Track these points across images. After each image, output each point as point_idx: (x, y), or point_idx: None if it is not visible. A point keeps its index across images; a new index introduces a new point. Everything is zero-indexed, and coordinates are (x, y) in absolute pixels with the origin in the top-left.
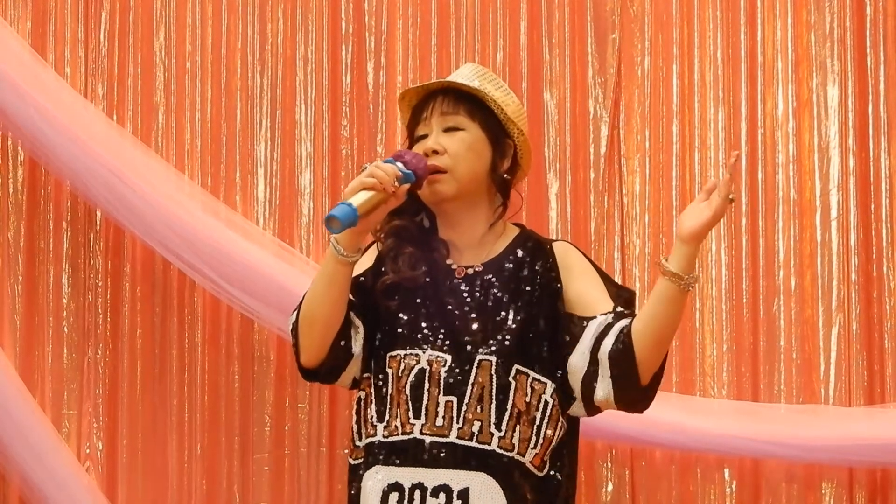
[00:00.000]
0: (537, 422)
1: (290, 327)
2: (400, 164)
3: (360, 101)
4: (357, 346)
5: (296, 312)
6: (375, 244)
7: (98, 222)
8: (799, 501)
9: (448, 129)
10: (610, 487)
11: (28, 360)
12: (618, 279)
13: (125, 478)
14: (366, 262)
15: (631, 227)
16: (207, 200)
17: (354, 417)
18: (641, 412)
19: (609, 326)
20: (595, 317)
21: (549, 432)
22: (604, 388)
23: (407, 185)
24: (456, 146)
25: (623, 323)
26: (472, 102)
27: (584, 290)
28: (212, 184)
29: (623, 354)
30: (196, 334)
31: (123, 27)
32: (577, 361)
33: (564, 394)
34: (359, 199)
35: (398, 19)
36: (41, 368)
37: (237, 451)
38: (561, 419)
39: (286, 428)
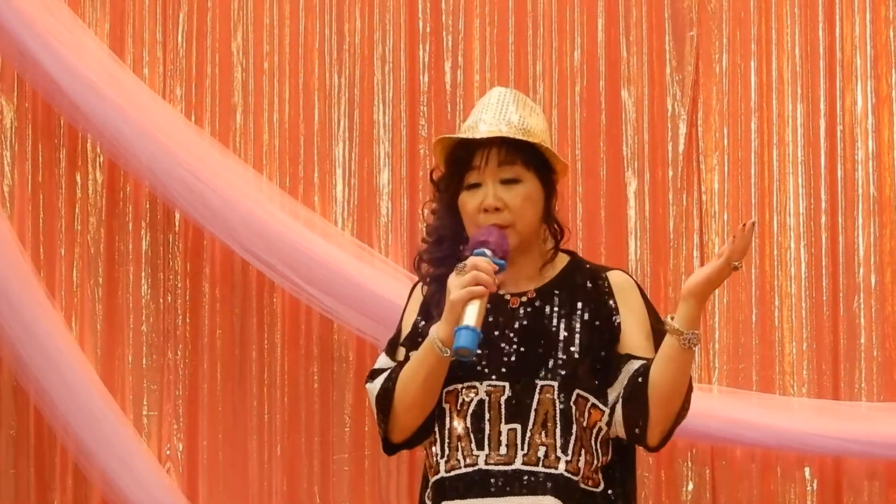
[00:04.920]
0: (593, 446)
1: (374, 402)
2: (489, 255)
3: (438, 100)
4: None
5: (380, 386)
6: (418, 287)
7: (177, 223)
8: (881, 499)
9: (505, 181)
10: (690, 486)
11: (108, 362)
12: None
13: (206, 479)
14: (413, 307)
15: (710, 225)
16: (286, 201)
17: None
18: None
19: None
20: (632, 358)
21: (602, 454)
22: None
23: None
24: (517, 202)
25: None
26: (526, 151)
27: (631, 335)
28: (290, 184)
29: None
30: (275, 335)
31: (201, 28)
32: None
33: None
34: (473, 316)
35: (475, 18)
36: (121, 370)
37: (317, 452)
38: (611, 443)
39: (366, 428)
